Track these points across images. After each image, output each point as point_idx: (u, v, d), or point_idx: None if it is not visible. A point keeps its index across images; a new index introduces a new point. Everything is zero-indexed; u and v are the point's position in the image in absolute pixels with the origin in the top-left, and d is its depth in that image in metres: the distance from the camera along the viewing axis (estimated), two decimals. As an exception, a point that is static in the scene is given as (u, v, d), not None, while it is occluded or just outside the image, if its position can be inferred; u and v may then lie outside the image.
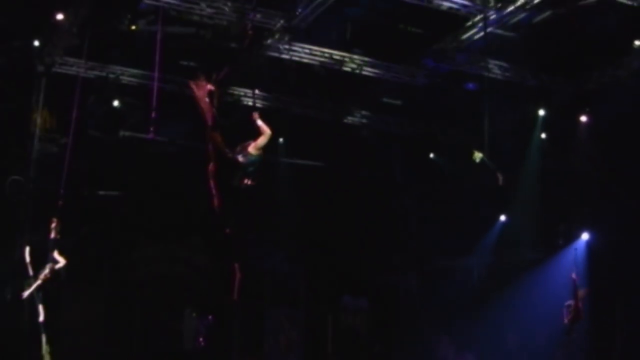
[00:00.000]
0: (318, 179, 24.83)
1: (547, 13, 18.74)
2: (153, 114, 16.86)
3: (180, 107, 21.93)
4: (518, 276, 23.57)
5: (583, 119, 22.39)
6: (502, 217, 24.30)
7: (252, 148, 12.33)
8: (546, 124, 23.06)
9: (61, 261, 16.65)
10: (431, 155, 26.00)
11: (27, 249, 16.90)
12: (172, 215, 22.82)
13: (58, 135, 20.93)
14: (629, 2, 17.80)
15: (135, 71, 21.23)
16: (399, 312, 26.29)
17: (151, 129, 16.93)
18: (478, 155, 18.27)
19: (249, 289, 23.74)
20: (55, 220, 16.83)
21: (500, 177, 18.22)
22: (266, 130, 12.33)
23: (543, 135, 23.21)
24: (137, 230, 22.76)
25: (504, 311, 23.33)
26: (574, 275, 20.35)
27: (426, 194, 25.97)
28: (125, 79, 21.35)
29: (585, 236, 22.53)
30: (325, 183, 24.87)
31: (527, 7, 18.39)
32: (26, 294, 16.65)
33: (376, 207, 25.97)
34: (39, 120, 20.88)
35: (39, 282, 16.44)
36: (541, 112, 22.89)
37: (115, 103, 21.71)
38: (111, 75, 21.07)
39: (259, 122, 12.41)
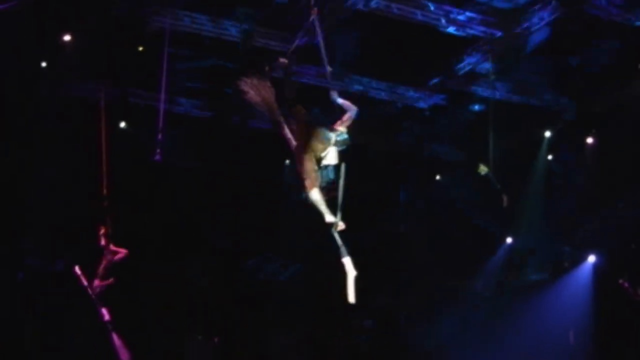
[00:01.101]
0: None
1: (554, 35, 18.80)
2: (159, 136, 16.88)
3: (186, 128, 22.12)
4: (523, 299, 23.49)
5: (589, 140, 22.39)
6: (508, 239, 24.25)
7: (340, 125, 11.21)
8: (552, 145, 23.06)
9: (121, 252, 17.05)
10: (437, 176, 26.01)
11: (77, 268, 17.14)
12: (178, 236, 22.79)
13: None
14: (636, 25, 17.84)
15: (142, 93, 21.24)
16: (404, 333, 26.20)
17: (158, 150, 16.93)
18: (483, 169, 18.31)
19: (253, 310, 23.92)
20: (103, 227, 17.09)
21: (505, 199, 18.23)
22: (351, 106, 11.31)
23: (549, 157, 23.20)
24: (141, 252, 22.73)
25: (509, 333, 23.22)
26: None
27: (431, 215, 25.93)
28: (132, 100, 21.36)
29: (591, 258, 22.50)
30: (327, 202, 24.82)
31: (533, 29, 18.44)
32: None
33: (381, 228, 25.94)
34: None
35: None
36: (547, 134, 22.89)
37: (122, 125, 21.73)
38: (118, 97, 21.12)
39: (340, 100, 11.39)
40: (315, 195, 10.46)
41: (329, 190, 10.75)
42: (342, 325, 25.51)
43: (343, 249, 10.72)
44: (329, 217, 10.55)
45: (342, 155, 10.78)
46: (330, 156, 10.59)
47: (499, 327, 23.65)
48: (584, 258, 22.75)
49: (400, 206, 26.72)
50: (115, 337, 17.88)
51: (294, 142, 10.82)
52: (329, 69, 11.57)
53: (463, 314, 24.67)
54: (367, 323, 25.84)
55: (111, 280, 17.80)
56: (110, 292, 19.98)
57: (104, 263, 17.75)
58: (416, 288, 26.58)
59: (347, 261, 10.51)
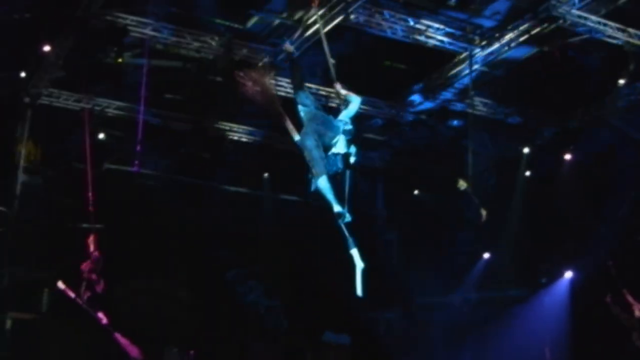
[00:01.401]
0: (301, 213, 24.82)
1: (532, 51, 18.89)
2: (138, 147, 16.87)
3: (165, 140, 22.09)
4: (501, 314, 23.51)
5: (567, 156, 22.48)
6: (486, 255, 24.29)
7: (344, 117, 10.89)
8: (530, 161, 23.14)
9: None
10: (415, 191, 26.05)
11: (60, 283, 16.95)
12: (155, 249, 22.72)
13: (43, 167, 20.88)
14: (613, 41, 17.93)
15: (120, 104, 21.22)
16: (381, 349, 26.15)
17: (136, 162, 16.91)
18: (462, 184, 18.32)
19: (230, 324, 23.85)
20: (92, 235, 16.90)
21: (483, 214, 18.25)
22: (355, 96, 11.10)
23: (527, 173, 23.28)
24: (118, 264, 22.64)
25: (486, 349, 23.25)
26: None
27: (410, 230, 25.94)
28: (110, 111, 21.33)
29: (568, 274, 22.56)
30: (307, 218, 24.86)
31: (512, 45, 18.52)
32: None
33: (359, 243, 25.89)
34: (23, 152, 20.81)
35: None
36: (525, 150, 22.97)
37: (101, 136, 21.69)
38: (97, 108, 21.06)
39: (344, 91, 11.21)
40: (324, 182, 10.12)
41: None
42: (316, 340, 25.49)
43: (350, 241, 10.43)
44: (336, 207, 10.23)
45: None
46: (340, 145, 10.45)
47: (477, 342, 23.68)
48: (560, 274, 22.79)
49: (379, 221, 26.71)
50: (119, 337, 17.75)
51: (296, 133, 10.55)
52: (331, 61, 11.47)
53: (441, 329, 24.67)
54: (342, 338, 25.79)
55: (102, 284, 17.64)
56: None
57: (90, 270, 17.57)
58: (395, 303, 26.59)
59: (355, 253, 10.33)
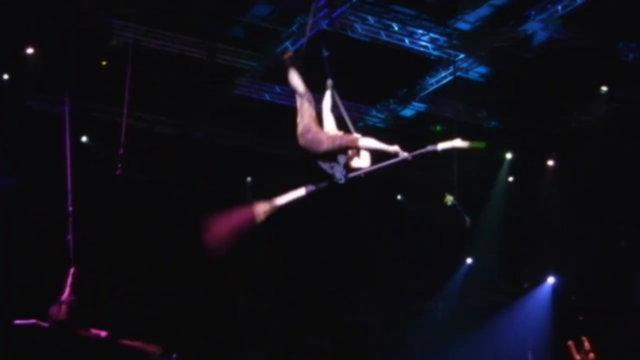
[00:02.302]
0: (283, 217, 24.81)
1: (516, 58, 18.98)
2: (121, 151, 16.82)
3: (149, 144, 22.05)
4: (483, 319, 23.55)
5: (550, 162, 22.55)
6: (469, 260, 24.33)
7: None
8: (513, 167, 23.21)
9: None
10: (398, 196, 26.09)
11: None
12: (139, 253, 22.67)
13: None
14: (596, 48, 18.04)
15: (104, 107, 21.19)
16: (363, 352, 26.16)
17: (119, 165, 16.86)
18: (449, 199, 18.31)
19: (213, 329, 23.81)
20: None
21: (468, 221, 18.28)
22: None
23: (510, 178, 23.34)
24: (103, 269, 22.59)
25: (469, 354, 23.29)
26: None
27: (393, 235, 25.95)
28: (94, 115, 21.30)
29: (550, 280, 22.64)
30: (291, 222, 24.85)
31: (494, 52, 18.60)
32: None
33: (342, 248, 25.91)
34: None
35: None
36: (508, 156, 23.03)
37: (84, 139, 21.65)
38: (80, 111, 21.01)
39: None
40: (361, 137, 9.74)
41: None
42: (300, 344, 25.49)
43: (429, 148, 9.78)
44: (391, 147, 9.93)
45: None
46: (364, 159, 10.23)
47: (459, 347, 23.70)
48: (543, 279, 22.86)
49: (362, 226, 26.72)
50: (127, 342, 17.43)
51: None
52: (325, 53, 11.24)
53: (424, 334, 24.69)
54: (325, 342, 25.81)
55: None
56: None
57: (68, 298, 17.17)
58: (377, 308, 26.61)
59: (442, 145, 9.59)
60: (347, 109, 19.99)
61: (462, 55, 19.01)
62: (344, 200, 25.10)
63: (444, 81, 20.20)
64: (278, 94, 20.83)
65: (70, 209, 17.17)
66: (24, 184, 20.88)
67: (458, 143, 9.55)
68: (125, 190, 21.12)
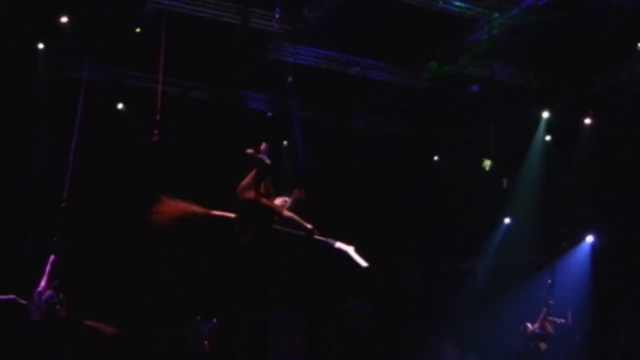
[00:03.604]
0: (319, 181, 24.84)
1: (551, 16, 18.78)
2: (157, 117, 16.88)
3: (184, 110, 22.08)
4: (522, 279, 23.51)
5: (587, 121, 22.38)
6: (506, 220, 24.25)
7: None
8: (549, 126, 23.05)
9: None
10: (435, 157, 26.03)
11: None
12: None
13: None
14: (633, 5, 17.84)
15: (139, 74, 21.23)
16: (402, 315, 26.21)
17: (155, 132, 16.92)
18: (487, 163, 18.29)
19: (252, 293, 23.93)
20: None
21: (505, 181, 18.24)
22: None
23: (547, 137, 23.20)
24: (140, 233, 22.69)
25: (507, 315, 23.24)
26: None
27: (429, 197, 25.91)
28: (129, 82, 21.36)
29: (589, 239, 22.54)
30: (326, 186, 24.86)
31: (531, 9, 18.42)
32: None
33: (378, 210, 25.90)
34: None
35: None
36: (545, 115, 22.88)
37: (120, 106, 21.72)
38: (114, 79, 21.09)
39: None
40: (288, 213, 11.41)
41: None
42: (339, 307, 25.56)
43: (330, 240, 11.52)
44: (308, 225, 11.46)
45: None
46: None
47: (498, 308, 23.70)
48: (582, 238, 22.77)
49: (399, 187, 26.68)
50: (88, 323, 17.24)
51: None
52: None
53: (462, 295, 24.70)
54: (364, 305, 25.87)
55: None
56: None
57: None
58: (415, 269, 26.62)
59: (339, 244, 10.91)
60: (381, 70, 20.17)
61: (497, 15, 18.83)
62: (379, 163, 25.11)
63: (480, 40, 20.04)
64: (313, 57, 20.79)
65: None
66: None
67: (351, 251, 11.54)
68: (159, 155, 21.18)
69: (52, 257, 15.44)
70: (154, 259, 22.15)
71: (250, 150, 11.61)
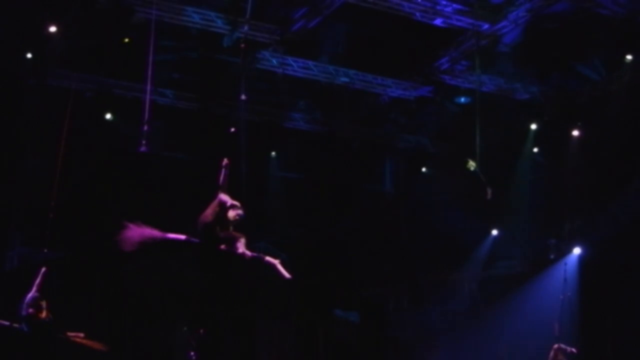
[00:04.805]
0: (308, 191, 24.85)
1: (539, 28, 18.83)
2: (145, 127, 16.82)
3: (173, 120, 22.07)
4: (509, 290, 23.53)
5: (575, 132, 22.41)
6: (494, 231, 24.28)
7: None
8: (538, 137, 23.10)
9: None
10: (423, 168, 26.04)
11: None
12: (165, 226, 22.71)
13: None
14: (621, 17, 17.88)
15: (127, 84, 21.20)
16: (390, 325, 26.22)
17: (143, 141, 16.87)
18: (472, 164, 18.30)
19: (240, 302, 23.88)
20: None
21: (489, 191, 18.23)
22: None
23: (535, 149, 23.24)
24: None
25: (495, 325, 23.28)
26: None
27: (418, 207, 25.93)
28: (117, 91, 21.32)
29: (577, 250, 22.56)
30: (316, 196, 24.88)
31: (519, 22, 18.46)
32: None
33: (367, 220, 25.93)
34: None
35: None
36: (533, 126, 22.91)
37: (108, 116, 21.66)
38: (103, 88, 21.04)
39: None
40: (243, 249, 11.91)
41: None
42: (328, 317, 25.55)
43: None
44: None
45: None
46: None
47: (485, 319, 23.72)
48: (569, 250, 22.78)
49: (386, 197, 26.72)
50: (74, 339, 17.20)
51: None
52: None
53: (449, 305, 24.71)
54: (352, 315, 25.88)
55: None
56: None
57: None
58: (403, 280, 26.62)
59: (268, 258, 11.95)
60: (369, 82, 20.14)
61: (486, 26, 18.86)
62: (367, 173, 25.13)
63: (469, 52, 20.05)
64: (300, 67, 20.80)
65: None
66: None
67: (279, 266, 11.93)
68: (147, 165, 21.17)
69: (43, 269, 15.39)
70: (141, 269, 22.07)
71: (224, 199, 12.14)
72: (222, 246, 12.07)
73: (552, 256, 23.28)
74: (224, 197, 12.01)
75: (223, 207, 11.99)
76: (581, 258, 22.46)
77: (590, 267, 22.04)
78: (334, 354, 25.38)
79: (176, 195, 22.42)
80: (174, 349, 22.44)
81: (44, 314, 15.81)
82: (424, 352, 25.09)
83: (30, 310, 15.32)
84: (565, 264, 21.60)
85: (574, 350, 19.38)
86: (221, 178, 12.15)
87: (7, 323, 15.13)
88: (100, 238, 21.25)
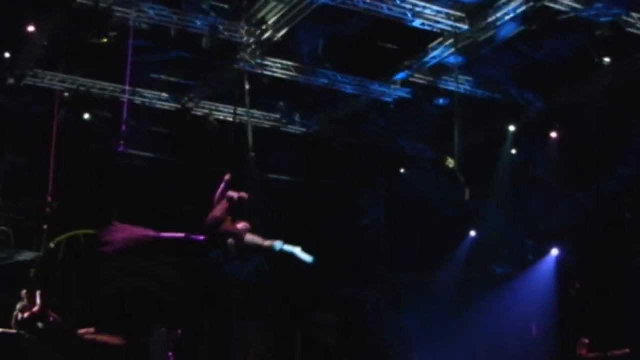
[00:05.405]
0: (286, 192, 24.84)
1: (518, 30, 18.85)
2: (124, 127, 16.81)
3: (151, 120, 22.04)
4: (488, 291, 23.59)
5: (553, 135, 22.49)
6: (472, 233, 24.33)
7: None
8: (516, 139, 23.16)
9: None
10: (401, 170, 26.06)
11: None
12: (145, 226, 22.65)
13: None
14: (599, 20, 17.94)
15: (106, 84, 21.15)
16: (368, 327, 26.23)
17: (122, 142, 16.86)
18: (450, 162, 18.35)
19: (218, 303, 23.86)
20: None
21: (467, 192, 18.28)
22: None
23: (513, 151, 23.30)
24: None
25: (473, 326, 23.34)
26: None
27: (396, 208, 25.97)
28: (96, 92, 21.25)
29: (554, 252, 22.64)
30: (293, 197, 24.88)
31: (498, 24, 18.48)
32: None
33: (345, 221, 25.95)
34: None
35: None
36: (511, 128, 22.98)
37: (86, 116, 21.59)
38: (82, 88, 20.96)
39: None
40: (250, 236, 11.62)
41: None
42: (305, 318, 25.55)
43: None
44: (267, 242, 11.69)
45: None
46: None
47: (463, 319, 23.77)
48: (547, 251, 22.86)
49: (365, 199, 26.74)
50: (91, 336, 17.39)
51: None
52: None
53: (427, 306, 24.74)
54: (330, 317, 25.88)
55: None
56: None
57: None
58: (381, 281, 26.65)
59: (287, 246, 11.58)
60: (349, 83, 20.15)
61: (465, 28, 18.88)
62: (344, 174, 25.14)
63: (447, 54, 20.08)
64: (279, 68, 20.78)
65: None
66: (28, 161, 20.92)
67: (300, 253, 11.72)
68: (125, 165, 21.13)
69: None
70: (119, 269, 22.04)
71: (231, 194, 11.85)
72: (230, 240, 11.70)
73: (530, 257, 23.38)
74: (231, 192, 11.84)
75: (231, 201, 11.80)
76: (558, 259, 22.56)
77: (568, 268, 22.14)
78: (311, 355, 25.39)
79: (156, 196, 22.43)
80: (151, 349, 22.39)
81: (35, 308, 15.93)
82: (402, 353, 25.13)
83: (25, 316, 15.44)
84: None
85: (586, 340, 19.45)
86: (219, 193, 11.90)
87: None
88: (75, 238, 21.31)
